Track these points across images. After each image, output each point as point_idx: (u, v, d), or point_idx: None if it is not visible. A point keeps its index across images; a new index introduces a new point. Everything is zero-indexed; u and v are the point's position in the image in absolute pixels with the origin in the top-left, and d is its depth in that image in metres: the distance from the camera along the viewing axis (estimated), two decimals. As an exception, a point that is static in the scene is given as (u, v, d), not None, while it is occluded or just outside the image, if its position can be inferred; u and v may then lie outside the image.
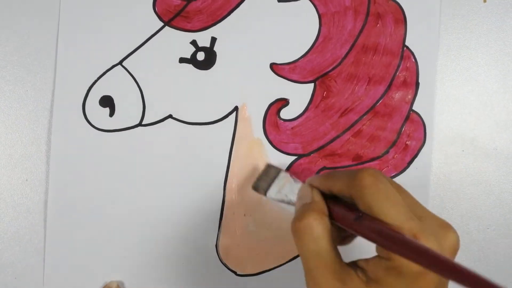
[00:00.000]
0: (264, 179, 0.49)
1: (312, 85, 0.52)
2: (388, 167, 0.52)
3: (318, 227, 0.36)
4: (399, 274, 0.34)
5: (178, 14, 0.51)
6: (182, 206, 0.52)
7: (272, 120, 0.52)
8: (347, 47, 0.52)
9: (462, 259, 0.54)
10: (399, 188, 0.38)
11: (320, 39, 0.52)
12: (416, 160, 0.53)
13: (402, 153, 0.52)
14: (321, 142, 0.52)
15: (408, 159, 0.52)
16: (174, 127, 0.52)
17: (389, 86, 0.52)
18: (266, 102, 0.52)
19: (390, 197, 0.35)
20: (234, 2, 0.51)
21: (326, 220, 0.37)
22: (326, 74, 0.52)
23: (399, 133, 0.52)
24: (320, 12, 0.51)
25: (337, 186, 0.38)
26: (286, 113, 0.52)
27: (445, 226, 0.36)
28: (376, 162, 0.52)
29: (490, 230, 0.54)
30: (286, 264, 0.53)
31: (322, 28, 0.52)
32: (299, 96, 0.52)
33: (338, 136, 0.52)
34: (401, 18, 0.52)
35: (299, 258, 0.51)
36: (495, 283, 0.28)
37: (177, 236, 0.52)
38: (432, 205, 0.53)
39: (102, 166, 0.51)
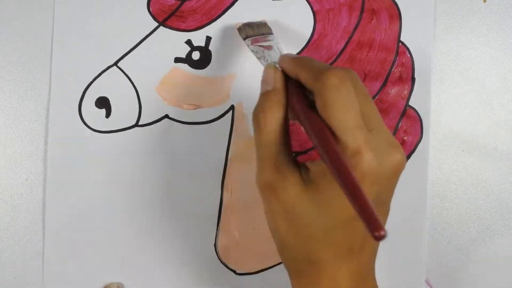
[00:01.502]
0: (253, 27, 0.48)
1: None
2: None
3: (271, 121, 0.36)
4: (332, 180, 0.33)
5: (172, 14, 0.50)
6: (180, 206, 0.51)
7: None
8: (342, 44, 0.51)
9: (462, 259, 0.53)
10: (366, 97, 0.36)
11: (315, 36, 0.51)
12: (413, 155, 0.52)
13: None
14: None
15: (405, 154, 0.50)
16: (171, 127, 0.51)
17: (385, 82, 0.51)
18: None
19: (347, 102, 0.34)
20: (229, 1, 0.50)
21: (282, 113, 0.37)
22: None
23: (395, 129, 0.52)
24: (315, 9, 0.51)
25: (303, 76, 0.36)
26: (283, 111, 0.50)
27: (394, 146, 0.35)
28: None
29: (490, 230, 0.53)
30: None
31: (317, 25, 0.51)
32: None
33: None
34: (395, 14, 0.51)
35: None
36: (379, 220, 0.28)
37: (175, 236, 0.51)
38: (432, 205, 0.53)
39: (99, 167, 0.51)
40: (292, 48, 0.50)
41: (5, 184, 0.51)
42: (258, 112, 0.37)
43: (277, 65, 0.40)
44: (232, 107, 0.51)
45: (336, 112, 0.33)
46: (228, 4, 0.50)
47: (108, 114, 0.50)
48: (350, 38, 0.51)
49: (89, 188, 0.51)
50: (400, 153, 0.35)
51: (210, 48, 0.50)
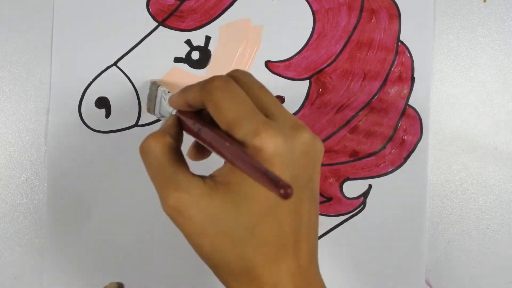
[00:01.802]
0: (150, 99, 0.48)
1: (307, 82, 0.51)
2: (385, 162, 0.51)
3: (156, 146, 0.36)
4: (241, 174, 0.32)
5: (172, 14, 0.50)
6: (180, 205, 0.50)
7: None
8: (342, 43, 0.51)
9: (462, 259, 0.53)
10: (261, 89, 0.36)
11: (314, 36, 0.51)
12: (413, 155, 0.52)
13: (399, 148, 0.51)
14: None
15: (405, 154, 0.51)
16: (170, 127, 0.50)
17: (385, 82, 0.51)
18: None
19: (236, 97, 0.34)
20: (228, 0, 0.50)
21: (167, 138, 0.36)
22: (321, 71, 0.51)
23: (395, 128, 0.51)
24: (314, 8, 0.50)
25: (191, 96, 0.37)
26: (282, 111, 0.50)
27: (297, 126, 0.35)
28: (373, 157, 0.51)
29: (490, 230, 0.53)
30: None
31: (316, 25, 0.50)
32: (294, 93, 0.51)
33: (334, 133, 0.51)
34: (395, 13, 0.51)
35: None
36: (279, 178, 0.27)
37: (176, 236, 0.49)
38: (432, 205, 0.52)
39: (99, 167, 0.50)
40: (292, 48, 0.50)
41: (5, 184, 0.50)
42: (141, 144, 0.37)
43: (173, 112, 0.41)
44: (231, 107, 0.50)
45: (227, 109, 0.33)
46: (228, 3, 0.50)
47: (108, 114, 0.50)
48: (349, 37, 0.50)
49: (90, 187, 0.50)
50: (306, 132, 0.35)
51: (209, 47, 0.50)
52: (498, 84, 0.53)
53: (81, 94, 0.50)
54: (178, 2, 0.49)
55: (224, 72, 0.49)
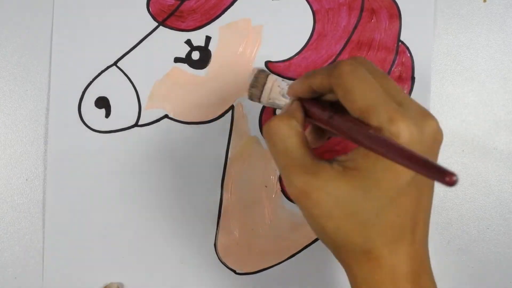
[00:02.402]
0: (256, 86, 0.46)
1: None
2: None
3: (284, 128, 0.36)
4: (376, 159, 0.33)
5: (172, 14, 0.49)
6: (180, 206, 0.51)
7: (268, 118, 0.49)
8: (342, 43, 0.50)
9: (462, 259, 0.53)
10: (384, 77, 0.36)
11: (314, 36, 0.50)
12: None
13: None
14: None
15: None
16: (170, 127, 0.50)
17: None
18: None
19: (366, 82, 0.34)
20: (228, 0, 0.50)
21: (293, 122, 0.37)
22: None
23: None
24: (314, 8, 0.50)
25: (317, 80, 0.37)
26: (282, 111, 0.50)
27: (425, 114, 0.35)
28: None
29: (490, 230, 0.53)
30: (285, 262, 0.52)
31: (316, 25, 0.50)
32: None
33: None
34: (395, 13, 0.51)
35: (297, 257, 0.51)
36: (443, 167, 0.27)
37: (175, 236, 0.51)
38: (432, 205, 0.51)
39: (99, 167, 0.50)
40: (291, 48, 0.50)
41: (5, 184, 0.50)
42: (267, 123, 0.37)
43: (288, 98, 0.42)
44: (232, 107, 0.50)
45: (359, 94, 0.33)
46: (228, 4, 0.50)
47: (107, 114, 0.50)
48: (349, 37, 0.50)
49: (89, 188, 0.50)
50: (435, 121, 0.35)
51: (209, 48, 0.50)
52: (498, 84, 0.53)
53: (80, 94, 0.49)
54: (178, 2, 0.49)
55: (224, 72, 0.50)
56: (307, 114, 0.39)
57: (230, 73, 0.50)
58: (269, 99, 0.45)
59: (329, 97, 0.38)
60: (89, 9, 0.50)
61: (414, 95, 0.51)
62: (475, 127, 0.52)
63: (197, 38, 0.50)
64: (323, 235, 0.37)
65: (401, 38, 0.51)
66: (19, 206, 0.50)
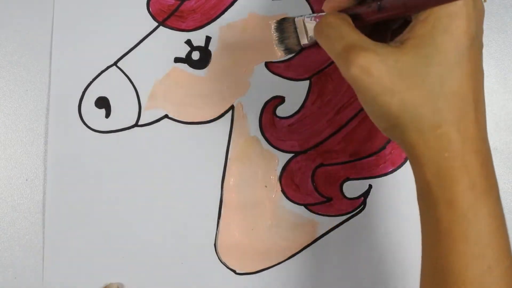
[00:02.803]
0: (287, 36, 0.47)
1: (307, 82, 0.50)
2: (385, 162, 0.51)
3: (337, 19, 0.36)
4: (434, 22, 0.33)
5: (172, 14, 0.49)
6: (180, 205, 0.51)
7: (268, 118, 0.50)
8: (342, 44, 0.49)
9: None
10: None
11: (314, 36, 0.49)
12: None
13: (399, 148, 0.51)
14: (318, 139, 0.50)
15: (405, 154, 0.50)
16: (170, 127, 0.50)
17: None
18: (262, 100, 0.50)
19: None
20: (228, 0, 0.50)
21: (344, 15, 0.37)
22: (321, 71, 0.50)
23: None
24: (315, 9, 0.50)
25: None
26: (282, 111, 0.50)
27: None
28: (373, 157, 0.51)
29: None
30: (285, 262, 0.51)
31: (316, 25, 0.49)
32: (294, 93, 0.50)
33: (334, 133, 0.50)
34: None
35: (297, 256, 0.51)
36: None
37: (175, 236, 0.51)
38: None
39: (99, 167, 0.50)
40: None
41: (5, 184, 0.50)
42: (321, 20, 0.37)
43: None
44: (232, 107, 0.50)
45: None
46: (228, 3, 0.49)
47: (107, 114, 0.50)
48: (349, 37, 0.50)
49: (89, 188, 0.50)
50: None
51: (210, 48, 0.50)
52: (498, 84, 0.52)
53: (81, 94, 0.49)
54: (178, 2, 0.49)
55: (224, 72, 0.49)
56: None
57: (230, 73, 0.50)
58: (310, 38, 0.45)
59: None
60: (89, 9, 0.50)
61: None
62: (475, 127, 0.52)
63: (197, 38, 0.49)
64: (388, 113, 0.35)
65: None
66: (19, 206, 0.50)
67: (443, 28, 0.33)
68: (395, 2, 0.35)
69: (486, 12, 0.51)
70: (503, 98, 0.52)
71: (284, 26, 0.47)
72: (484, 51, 0.51)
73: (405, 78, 0.34)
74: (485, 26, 0.51)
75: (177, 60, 0.50)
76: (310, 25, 0.45)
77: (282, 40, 0.47)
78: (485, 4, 0.52)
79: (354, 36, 0.35)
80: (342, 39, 0.35)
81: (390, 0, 0.35)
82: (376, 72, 0.34)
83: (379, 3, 0.35)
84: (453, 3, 0.33)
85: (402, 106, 0.34)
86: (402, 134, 0.35)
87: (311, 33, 0.46)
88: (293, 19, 0.47)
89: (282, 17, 0.48)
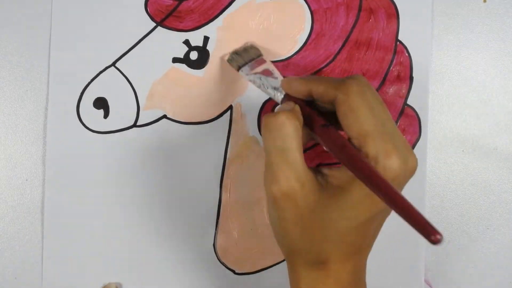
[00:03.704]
0: (241, 55, 0.47)
1: None
2: None
3: (289, 126, 0.35)
4: (360, 184, 0.33)
5: (170, 14, 0.49)
6: (178, 206, 0.51)
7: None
8: (340, 43, 0.50)
9: (462, 259, 0.53)
10: (381, 103, 0.37)
11: (312, 36, 0.50)
12: None
13: None
14: None
15: None
16: (169, 127, 0.50)
17: (383, 81, 0.51)
18: (261, 100, 0.50)
19: (372, 107, 0.34)
20: (226, 0, 0.49)
21: (297, 123, 0.36)
22: (319, 70, 0.50)
23: None
24: (312, 8, 0.50)
25: (321, 88, 0.37)
26: (281, 111, 0.49)
27: (409, 148, 0.36)
28: None
29: (490, 230, 0.53)
30: (284, 262, 0.50)
31: (314, 24, 0.50)
32: None
33: None
34: (393, 13, 0.50)
35: None
36: (430, 223, 0.28)
37: (174, 236, 0.51)
38: (432, 205, 0.52)
39: (98, 168, 0.50)
40: (290, 48, 0.50)
41: (5, 184, 0.50)
42: (272, 115, 0.36)
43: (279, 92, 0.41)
44: (230, 107, 0.50)
45: (363, 117, 0.34)
46: (226, 4, 0.49)
47: (106, 115, 0.49)
48: (348, 37, 0.50)
49: (88, 188, 0.50)
50: (415, 156, 0.36)
51: (208, 48, 0.49)
52: (498, 84, 0.52)
53: (79, 94, 0.49)
54: (176, 3, 0.49)
55: (222, 73, 0.49)
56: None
57: (229, 73, 0.49)
58: (250, 74, 0.45)
59: (322, 107, 0.38)
60: (87, 9, 0.49)
61: (412, 95, 0.51)
62: (475, 127, 0.52)
63: (195, 38, 0.49)
64: (284, 238, 0.37)
65: (399, 38, 0.50)
66: (19, 206, 0.50)
67: (366, 192, 0.34)
68: (337, 140, 0.35)
69: (486, 12, 0.52)
70: (503, 98, 0.52)
71: (249, 50, 0.47)
72: (484, 51, 0.52)
73: (315, 218, 0.36)
74: (485, 26, 0.52)
75: (175, 60, 0.49)
76: (271, 78, 0.45)
77: (236, 52, 0.47)
78: (485, 4, 0.52)
79: (294, 157, 0.35)
80: (282, 154, 0.35)
81: (336, 133, 0.35)
82: (294, 203, 0.35)
83: (328, 124, 0.36)
84: (391, 172, 0.34)
85: (299, 239, 0.36)
86: (291, 257, 0.38)
87: (258, 77, 0.45)
88: (260, 54, 0.47)
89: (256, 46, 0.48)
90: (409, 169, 0.35)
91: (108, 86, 0.49)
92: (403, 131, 0.51)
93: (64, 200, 0.50)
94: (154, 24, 0.49)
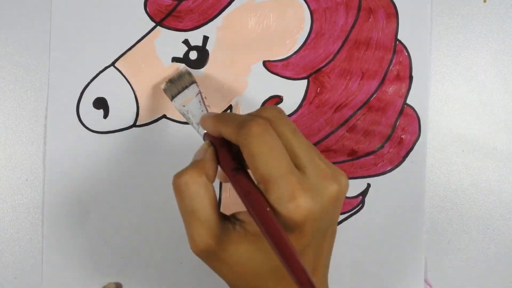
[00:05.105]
0: (176, 84, 0.47)
1: (305, 81, 0.50)
2: (383, 161, 0.51)
3: (193, 186, 0.35)
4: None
5: (169, 14, 0.49)
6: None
7: None
8: (340, 43, 0.50)
9: (462, 259, 0.52)
10: (294, 132, 0.35)
11: (312, 35, 0.50)
12: (411, 153, 0.51)
13: (397, 147, 0.51)
14: (316, 138, 0.50)
15: (403, 153, 0.51)
16: (168, 127, 0.50)
17: (383, 81, 0.50)
18: (260, 99, 0.50)
19: (274, 149, 0.33)
20: (225, 0, 0.49)
21: (204, 179, 0.35)
22: (319, 70, 0.50)
23: (393, 127, 0.51)
24: (312, 8, 0.50)
25: (227, 132, 0.36)
26: (280, 111, 0.49)
27: (327, 177, 0.34)
28: (371, 156, 0.50)
29: (490, 230, 0.52)
30: None
31: (314, 24, 0.50)
32: (292, 92, 0.50)
33: (332, 132, 0.50)
34: (392, 12, 0.50)
35: None
36: (311, 279, 0.29)
37: (174, 236, 0.51)
38: (432, 205, 0.52)
39: (98, 168, 0.50)
40: (289, 47, 0.50)
41: (5, 184, 0.50)
42: (177, 176, 0.35)
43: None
44: (229, 107, 0.50)
45: (264, 161, 0.32)
46: (225, 3, 0.49)
47: (106, 115, 0.49)
48: (347, 37, 0.50)
49: (88, 188, 0.50)
50: (336, 182, 0.35)
51: (207, 47, 0.49)
52: (498, 84, 0.52)
53: (79, 94, 0.49)
54: (176, 2, 0.49)
55: (222, 72, 0.49)
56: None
57: (228, 72, 0.49)
58: (182, 105, 0.45)
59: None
60: (86, 9, 0.49)
61: (412, 94, 0.50)
62: (475, 127, 0.52)
63: (195, 38, 0.49)
64: (225, 281, 0.37)
65: (399, 37, 0.50)
66: (19, 206, 0.50)
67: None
68: (243, 187, 0.34)
69: (486, 12, 0.52)
70: (503, 98, 0.52)
71: (184, 77, 0.47)
72: (484, 51, 0.52)
73: (242, 264, 0.35)
74: (485, 26, 0.52)
75: (175, 60, 0.49)
76: (194, 106, 0.45)
77: (172, 80, 0.47)
78: (485, 4, 0.52)
79: (205, 215, 0.35)
80: (192, 214, 0.35)
81: (243, 180, 0.34)
82: (216, 257, 0.35)
83: (238, 167, 0.35)
84: (298, 214, 0.32)
85: (236, 281, 0.37)
86: None
87: (188, 109, 0.45)
88: (193, 82, 0.47)
89: (191, 73, 0.48)
90: (327, 200, 0.34)
91: (108, 86, 0.49)
92: (403, 130, 0.51)
93: (65, 200, 0.49)
94: (154, 24, 0.49)
